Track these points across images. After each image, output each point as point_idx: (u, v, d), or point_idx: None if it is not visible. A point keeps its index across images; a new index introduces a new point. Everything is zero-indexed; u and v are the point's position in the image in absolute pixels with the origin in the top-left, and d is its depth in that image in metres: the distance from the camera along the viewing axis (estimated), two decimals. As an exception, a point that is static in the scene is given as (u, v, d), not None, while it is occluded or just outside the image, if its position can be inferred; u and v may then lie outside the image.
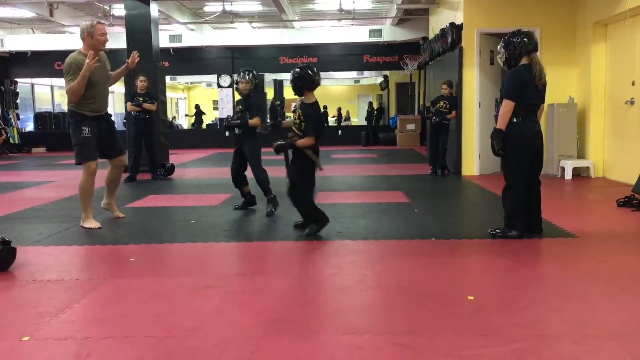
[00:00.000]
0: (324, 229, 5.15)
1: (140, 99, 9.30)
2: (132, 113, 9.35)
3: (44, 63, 17.51)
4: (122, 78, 9.75)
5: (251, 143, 6.27)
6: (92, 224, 5.62)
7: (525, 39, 4.77)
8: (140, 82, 9.30)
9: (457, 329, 2.93)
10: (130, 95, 9.56)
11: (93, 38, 5.45)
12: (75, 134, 5.50)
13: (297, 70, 5.06)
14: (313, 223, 5.14)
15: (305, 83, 5.02)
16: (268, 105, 20.26)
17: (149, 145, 9.46)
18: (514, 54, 4.80)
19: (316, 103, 5.11)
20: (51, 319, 3.17)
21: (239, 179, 6.44)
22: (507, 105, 4.74)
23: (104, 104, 5.69)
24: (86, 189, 5.58)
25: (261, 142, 6.36)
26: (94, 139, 5.53)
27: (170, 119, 21.81)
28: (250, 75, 6.31)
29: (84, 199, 5.62)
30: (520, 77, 4.76)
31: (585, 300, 3.42)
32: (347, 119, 27.60)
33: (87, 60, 5.25)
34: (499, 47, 4.96)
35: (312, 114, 5.04)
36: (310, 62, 18.00)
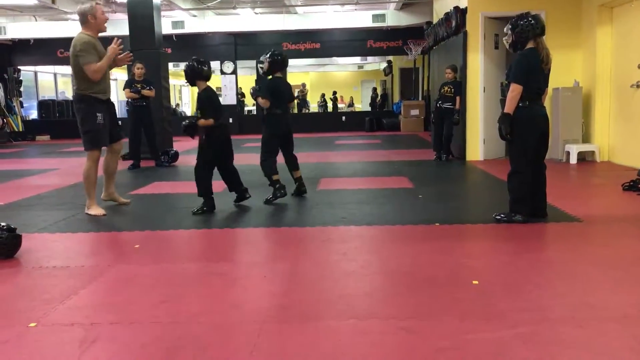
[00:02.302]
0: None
1: (138, 85, 9.28)
2: (130, 100, 9.33)
3: (47, 51, 17.46)
4: (125, 66, 9.80)
5: (264, 130, 6.16)
6: (97, 210, 5.63)
7: (532, 22, 4.72)
8: (138, 70, 9.27)
9: (462, 314, 2.94)
10: (128, 82, 9.54)
11: (97, 19, 5.49)
12: (88, 119, 5.47)
13: (188, 63, 5.57)
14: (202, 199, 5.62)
15: (196, 74, 5.55)
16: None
17: (148, 132, 9.46)
18: (521, 37, 4.76)
19: (207, 89, 5.59)
20: (57, 305, 3.19)
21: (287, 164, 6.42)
22: (516, 90, 4.70)
23: (109, 87, 5.75)
24: (91, 176, 5.60)
25: (278, 131, 6.13)
26: (107, 125, 5.58)
27: (174, 106, 21.78)
28: (267, 55, 6.07)
29: (89, 186, 5.63)
30: (527, 61, 4.72)
31: (589, 284, 3.42)
32: (351, 104, 27.55)
33: (112, 45, 5.44)
34: (505, 29, 4.91)
35: (205, 98, 5.53)
36: (313, 48, 17.92)
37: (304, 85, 26.18)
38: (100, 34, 5.62)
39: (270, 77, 6.20)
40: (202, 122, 5.48)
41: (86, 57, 5.33)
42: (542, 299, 3.15)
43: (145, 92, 9.29)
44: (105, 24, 5.59)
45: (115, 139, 5.81)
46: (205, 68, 5.58)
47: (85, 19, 5.46)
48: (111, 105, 5.75)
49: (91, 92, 5.46)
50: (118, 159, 6.04)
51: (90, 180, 5.61)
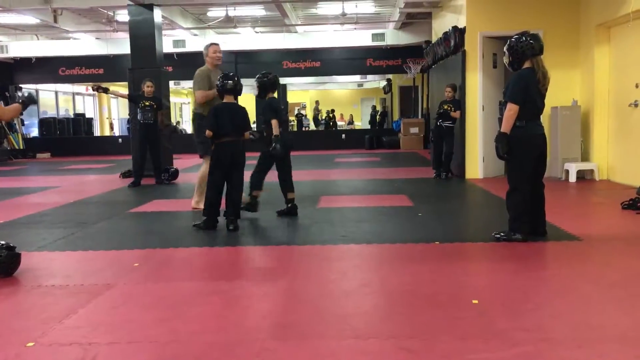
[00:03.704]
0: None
1: (147, 102, 9.34)
2: (139, 118, 9.40)
3: (49, 69, 17.56)
4: (127, 83, 9.88)
5: (264, 148, 6.22)
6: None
7: (530, 41, 4.74)
8: (147, 88, 9.36)
9: (462, 333, 2.93)
10: (136, 96, 9.61)
11: (208, 56, 6.51)
12: (200, 133, 6.25)
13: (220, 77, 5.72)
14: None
15: (223, 89, 5.65)
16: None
17: (154, 150, 9.49)
18: (518, 56, 4.78)
19: (224, 103, 5.66)
20: (56, 324, 3.18)
21: (281, 185, 6.36)
22: (512, 109, 4.72)
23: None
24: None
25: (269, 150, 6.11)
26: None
27: (174, 124, 21.86)
28: (257, 78, 6.18)
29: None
30: (524, 81, 4.74)
31: (589, 303, 3.42)
32: (351, 122, 27.66)
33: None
34: (505, 48, 4.94)
35: (211, 110, 5.71)
36: (313, 66, 18.06)
37: (317, 102, 26.33)
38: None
39: (267, 98, 6.25)
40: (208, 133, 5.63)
41: (196, 84, 6.35)
42: (542, 318, 3.15)
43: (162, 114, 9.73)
44: (218, 60, 6.51)
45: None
46: (230, 82, 5.60)
47: (204, 55, 6.58)
48: None
49: (203, 111, 6.31)
50: None
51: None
